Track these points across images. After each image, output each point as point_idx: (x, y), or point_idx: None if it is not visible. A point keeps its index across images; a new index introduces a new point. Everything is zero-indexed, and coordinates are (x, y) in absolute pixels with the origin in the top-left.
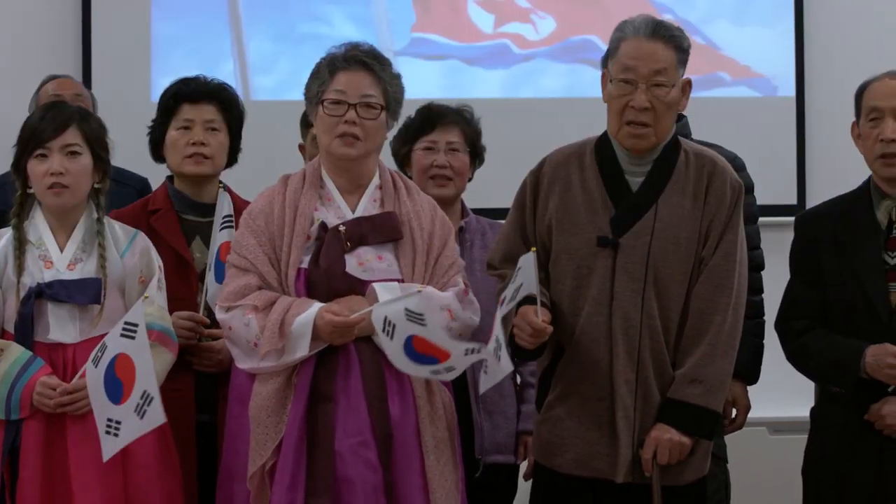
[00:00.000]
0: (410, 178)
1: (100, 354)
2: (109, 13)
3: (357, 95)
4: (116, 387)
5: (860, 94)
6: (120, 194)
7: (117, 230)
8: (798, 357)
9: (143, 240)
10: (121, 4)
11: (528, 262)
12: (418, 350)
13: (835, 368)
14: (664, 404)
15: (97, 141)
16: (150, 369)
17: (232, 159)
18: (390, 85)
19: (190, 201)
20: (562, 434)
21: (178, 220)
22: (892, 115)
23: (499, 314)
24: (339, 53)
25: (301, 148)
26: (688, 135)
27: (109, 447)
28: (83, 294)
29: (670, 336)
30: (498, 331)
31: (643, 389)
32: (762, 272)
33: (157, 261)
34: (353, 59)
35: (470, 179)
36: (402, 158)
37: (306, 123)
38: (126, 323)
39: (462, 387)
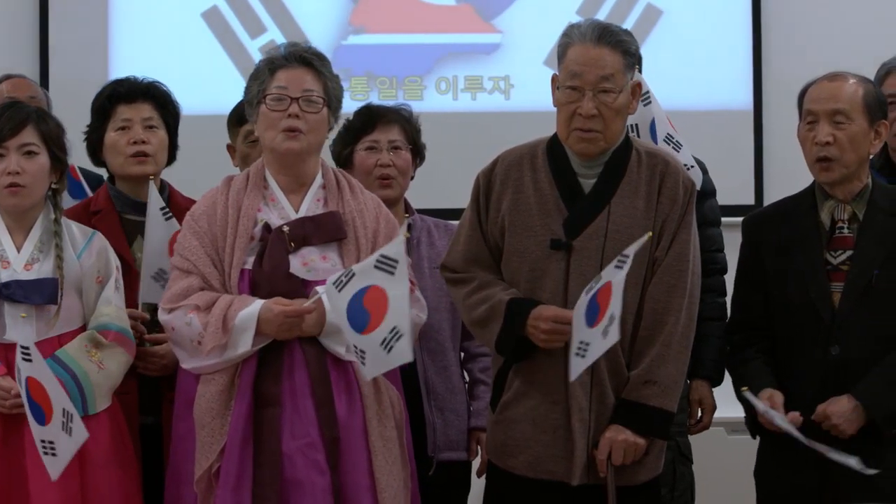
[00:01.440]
0: None
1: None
2: (66, 10)
3: (299, 90)
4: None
5: (801, 97)
6: (73, 190)
7: (74, 230)
8: (732, 376)
9: (100, 240)
10: (79, 2)
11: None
12: (365, 304)
13: (743, 402)
14: (618, 405)
15: (54, 141)
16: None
17: (171, 157)
18: (331, 81)
19: (131, 201)
20: (516, 436)
21: (119, 221)
22: (826, 119)
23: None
24: (278, 52)
25: (229, 148)
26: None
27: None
28: (40, 294)
29: (625, 337)
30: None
31: (598, 391)
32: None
33: (115, 261)
34: (293, 57)
35: (412, 178)
36: (344, 160)
37: (235, 122)
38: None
39: (414, 385)
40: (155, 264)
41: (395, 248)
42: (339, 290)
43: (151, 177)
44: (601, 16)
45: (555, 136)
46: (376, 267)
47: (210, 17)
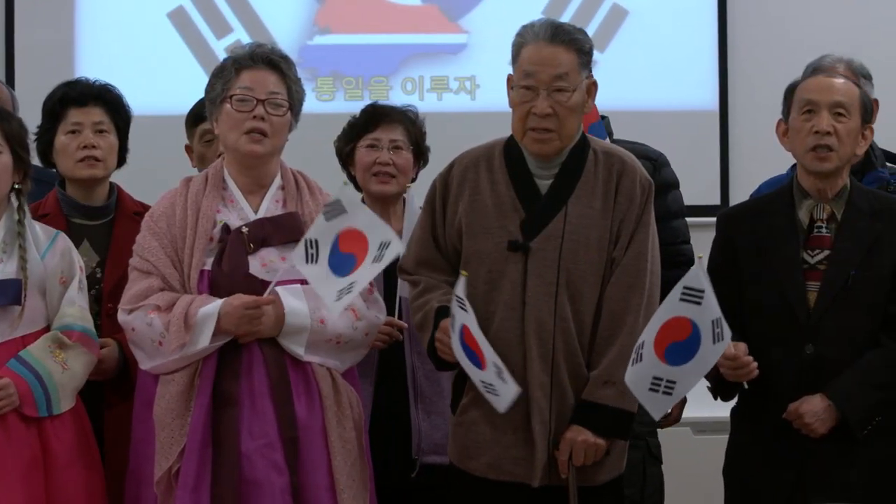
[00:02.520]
0: (354, 177)
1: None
2: (33, 10)
3: (264, 92)
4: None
5: (791, 91)
6: (40, 192)
7: (38, 231)
8: None
9: (63, 240)
10: (45, 2)
11: (459, 285)
12: (343, 249)
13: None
14: (578, 406)
15: (17, 141)
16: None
17: (121, 160)
18: (294, 84)
19: (78, 205)
20: (476, 438)
21: (66, 224)
22: (827, 109)
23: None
24: (244, 52)
25: (187, 148)
26: (610, 134)
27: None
28: (3, 295)
29: (584, 338)
30: (492, 357)
31: (558, 392)
32: None
33: (79, 262)
34: (259, 58)
35: (413, 180)
36: (346, 157)
37: (192, 122)
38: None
39: (401, 386)
40: None
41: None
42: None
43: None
44: (567, 16)
45: (511, 137)
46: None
47: (176, 17)
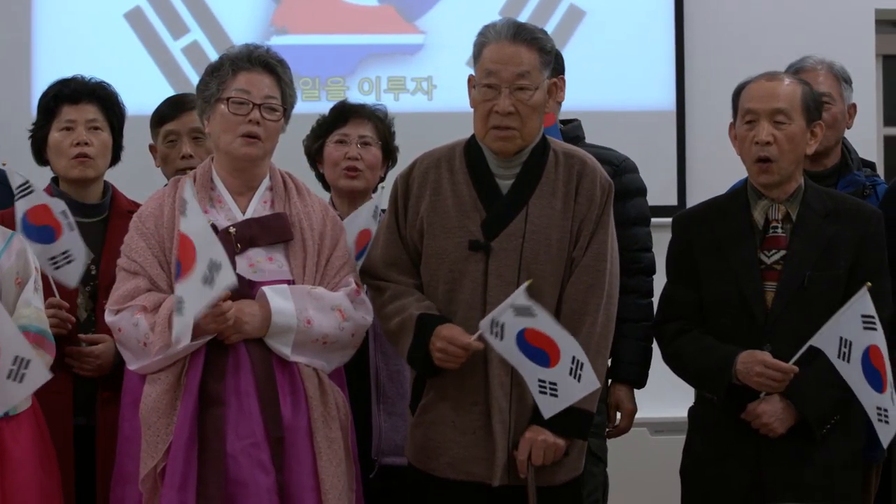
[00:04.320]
0: (322, 174)
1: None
2: None
3: (261, 96)
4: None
5: (737, 95)
6: (1, 194)
7: None
8: (673, 361)
9: (19, 241)
10: (1, 2)
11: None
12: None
13: (707, 375)
14: (538, 406)
15: None
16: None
17: (115, 158)
18: (289, 88)
19: (73, 202)
20: (436, 438)
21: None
22: (767, 118)
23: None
24: (241, 53)
25: (152, 148)
26: (581, 137)
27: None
28: None
29: None
30: (574, 350)
31: (518, 392)
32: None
33: (34, 262)
34: (256, 61)
35: (382, 179)
36: (314, 154)
37: (156, 123)
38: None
39: (364, 386)
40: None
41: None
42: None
43: (2, 163)
44: (524, 17)
45: (472, 138)
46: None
47: (133, 17)
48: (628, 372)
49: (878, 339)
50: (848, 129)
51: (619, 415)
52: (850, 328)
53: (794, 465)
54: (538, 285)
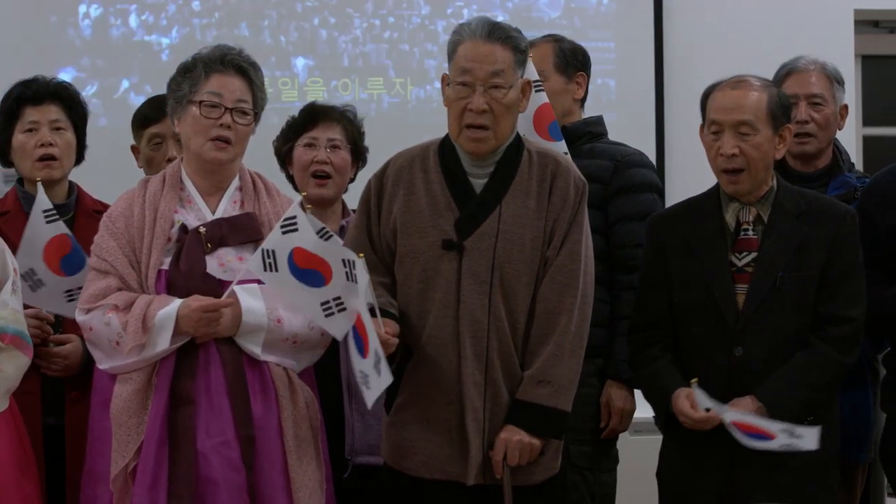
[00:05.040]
0: (292, 176)
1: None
2: None
3: (232, 100)
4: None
5: (704, 100)
6: None
7: None
8: (635, 374)
9: None
10: None
11: (359, 270)
12: (301, 265)
13: (652, 401)
14: (513, 405)
15: None
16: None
17: (80, 157)
18: (260, 91)
19: None
20: (411, 437)
21: (26, 222)
22: (731, 130)
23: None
24: (215, 55)
25: (133, 149)
26: (604, 134)
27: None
28: None
29: (518, 337)
30: (375, 342)
31: (492, 391)
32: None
33: (12, 263)
34: (229, 63)
35: (352, 180)
36: (284, 156)
37: (140, 125)
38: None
39: (336, 386)
40: (25, 264)
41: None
42: (277, 271)
43: (39, 180)
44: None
45: (446, 137)
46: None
47: None
48: (622, 370)
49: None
50: (839, 130)
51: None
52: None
53: (768, 466)
54: (512, 285)
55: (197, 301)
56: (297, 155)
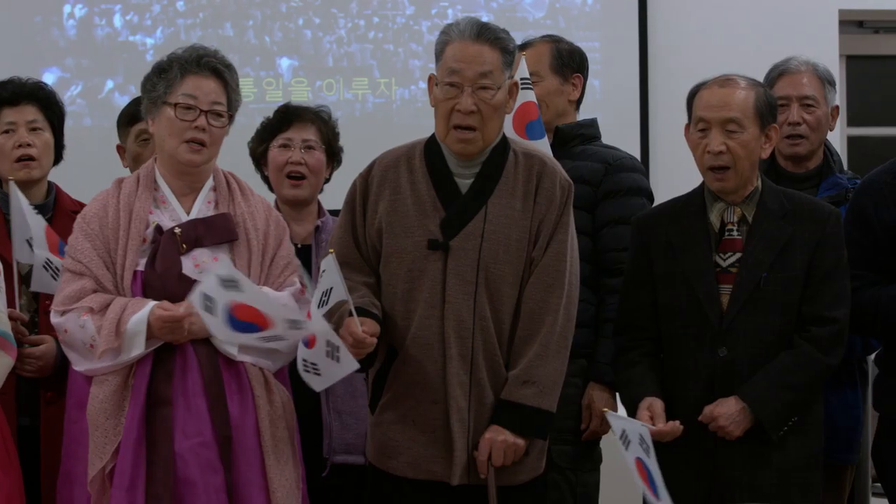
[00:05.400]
0: (267, 177)
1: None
2: None
3: (207, 102)
4: None
5: (691, 98)
6: None
7: None
8: (615, 379)
9: None
10: None
11: (329, 265)
12: (240, 318)
13: (626, 407)
14: (497, 406)
15: None
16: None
17: (58, 157)
18: (234, 92)
19: None
20: (396, 437)
21: (4, 222)
22: (718, 128)
23: (314, 317)
24: (189, 56)
25: (119, 149)
26: (597, 137)
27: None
28: None
29: (503, 337)
30: (328, 334)
31: (477, 391)
32: None
33: None
34: (205, 65)
35: (327, 180)
36: (259, 157)
37: (126, 122)
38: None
39: None
40: (42, 255)
41: (225, 266)
42: (213, 315)
43: (11, 178)
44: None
45: (432, 137)
46: (223, 287)
47: None
48: (605, 372)
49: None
50: (831, 130)
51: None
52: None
53: (751, 467)
54: (497, 285)
55: (159, 310)
56: (272, 156)
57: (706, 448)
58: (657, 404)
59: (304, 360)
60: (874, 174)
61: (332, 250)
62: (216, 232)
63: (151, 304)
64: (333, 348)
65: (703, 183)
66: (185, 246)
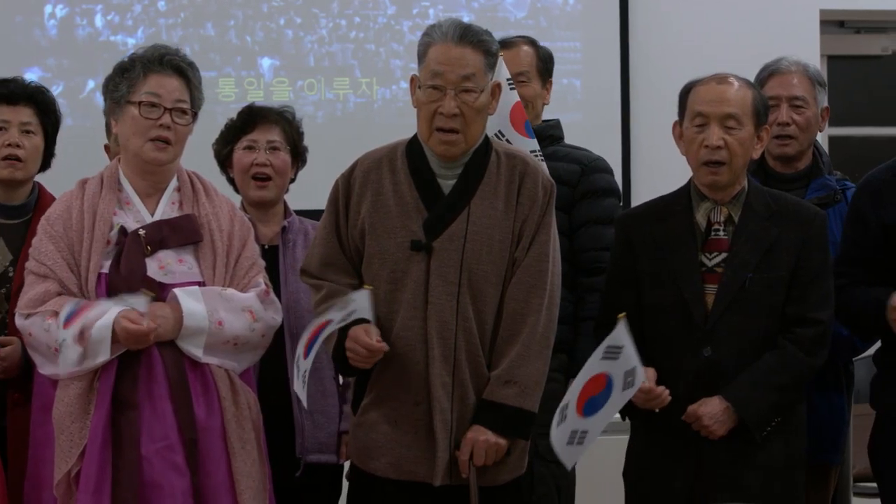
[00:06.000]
0: (232, 179)
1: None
2: None
3: (171, 100)
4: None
5: (685, 95)
6: None
7: None
8: None
9: None
10: None
11: (363, 298)
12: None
13: None
14: (479, 406)
15: None
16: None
17: (45, 164)
18: (197, 90)
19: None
20: (378, 438)
21: None
22: (717, 122)
23: (324, 334)
24: (152, 55)
25: (106, 148)
26: (560, 138)
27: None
28: None
29: (486, 338)
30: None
31: (460, 392)
32: None
33: None
34: (168, 63)
35: (292, 180)
36: (224, 159)
37: None
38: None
39: (284, 386)
40: None
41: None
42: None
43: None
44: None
45: (414, 138)
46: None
47: None
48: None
49: (610, 366)
50: (820, 132)
51: None
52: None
53: (735, 466)
54: (480, 286)
55: (126, 321)
56: (236, 158)
57: (690, 447)
58: (651, 371)
59: (307, 371)
60: (875, 171)
61: (370, 287)
62: (181, 233)
63: (115, 309)
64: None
65: (688, 182)
66: (149, 248)
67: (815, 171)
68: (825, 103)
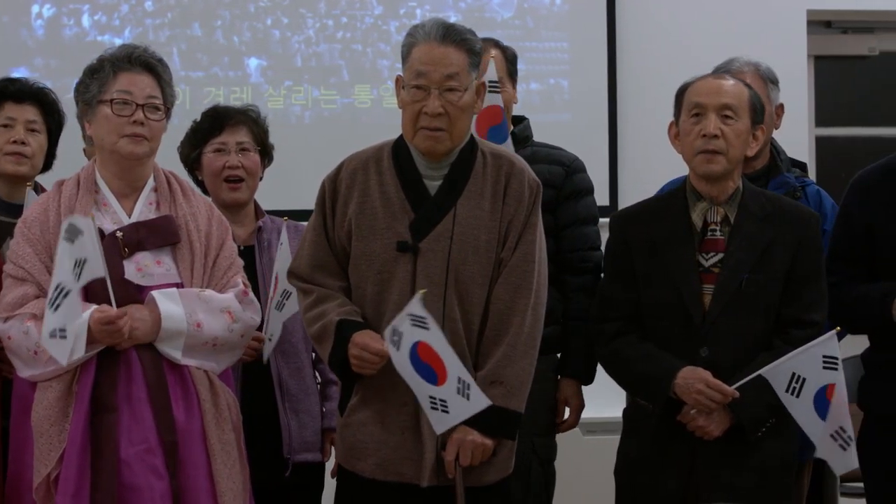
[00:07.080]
0: (202, 182)
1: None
2: None
3: (143, 96)
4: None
5: (681, 93)
6: None
7: None
8: (609, 363)
9: None
10: None
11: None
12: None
13: (645, 383)
14: None
15: None
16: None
17: (47, 164)
18: (169, 87)
19: (3, 203)
20: (364, 439)
21: None
22: (714, 111)
23: (450, 360)
24: (121, 54)
25: (86, 152)
26: (529, 137)
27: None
28: None
29: (472, 338)
30: (460, 371)
31: None
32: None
33: None
34: (136, 61)
35: (260, 179)
36: (192, 163)
37: None
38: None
39: (268, 386)
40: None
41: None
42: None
43: (29, 184)
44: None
45: (400, 139)
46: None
47: None
48: (576, 368)
49: (839, 378)
50: (776, 129)
51: (567, 410)
52: (807, 366)
53: (729, 467)
54: (466, 286)
55: (99, 312)
56: (207, 161)
57: (685, 447)
58: (705, 372)
59: (433, 398)
60: (867, 170)
61: (424, 290)
62: (159, 235)
63: (91, 307)
64: (464, 385)
65: (684, 183)
66: (127, 250)
67: (774, 169)
68: (779, 101)
